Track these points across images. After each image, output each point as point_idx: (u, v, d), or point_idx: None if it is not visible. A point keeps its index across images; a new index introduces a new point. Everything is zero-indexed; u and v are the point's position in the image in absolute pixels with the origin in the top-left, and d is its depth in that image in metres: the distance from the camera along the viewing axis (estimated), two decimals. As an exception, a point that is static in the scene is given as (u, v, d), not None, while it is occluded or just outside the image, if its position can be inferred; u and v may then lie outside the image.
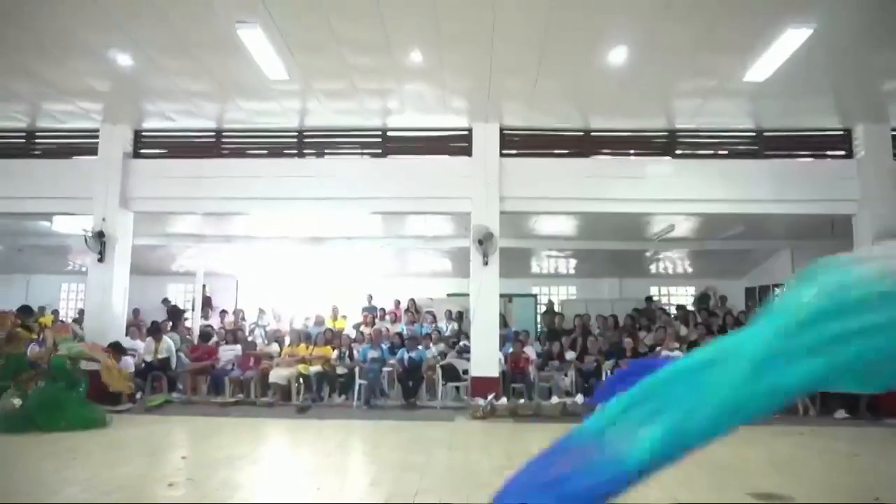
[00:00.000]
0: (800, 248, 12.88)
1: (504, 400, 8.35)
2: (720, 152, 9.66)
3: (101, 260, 9.34)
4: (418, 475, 5.00)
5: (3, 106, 8.98)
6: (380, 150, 9.75)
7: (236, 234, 12.91)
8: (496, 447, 6.25)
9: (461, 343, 10.06)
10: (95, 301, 9.41)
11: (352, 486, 4.78)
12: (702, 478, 4.96)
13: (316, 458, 5.82)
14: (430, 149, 9.74)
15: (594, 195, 9.33)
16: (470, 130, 9.48)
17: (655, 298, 14.73)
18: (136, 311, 12.88)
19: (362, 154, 9.83)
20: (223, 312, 13.35)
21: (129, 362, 8.97)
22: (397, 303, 13.40)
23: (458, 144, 9.60)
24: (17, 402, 6.84)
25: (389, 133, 9.72)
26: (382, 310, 12.95)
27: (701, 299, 14.27)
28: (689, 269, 15.68)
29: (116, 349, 8.62)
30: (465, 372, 9.29)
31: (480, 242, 8.98)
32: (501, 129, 9.43)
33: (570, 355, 9.91)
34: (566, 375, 9.37)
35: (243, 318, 13.19)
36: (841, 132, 9.39)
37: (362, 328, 11.64)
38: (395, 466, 5.31)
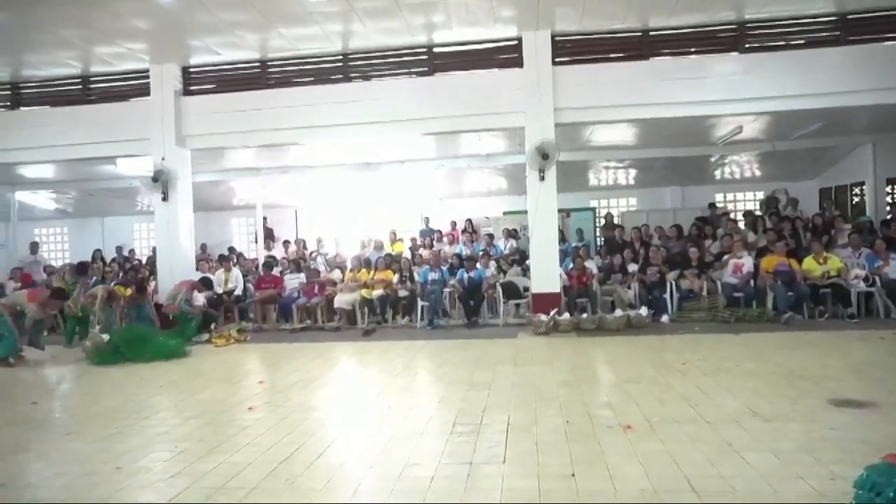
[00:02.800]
0: (883, 143, 11.95)
1: (567, 315, 8.32)
2: (795, 42, 8.84)
3: (164, 199, 9.65)
4: (486, 392, 5.09)
5: (57, 53, 9.13)
6: (427, 69, 9.45)
7: (292, 165, 13.00)
8: (561, 362, 6.28)
9: (526, 262, 9.96)
10: (164, 238, 9.79)
11: (422, 404, 4.91)
12: (780, 386, 4.86)
13: (384, 378, 6.00)
14: (479, 63, 9.35)
15: (654, 100, 8.83)
16: (520, 40, 9.02)
17: (720, 205, 14.11)
18: (203, 246, 13.40)
19: (409, 74, 9.55)
20: (286, 242, 13.69)
21: (199, 297, 9.38)
22: (454, 224, 13.39)
23: (507, 56, 9.18)
24: (105, 336, 7.35)
25: (436, 49, 9.36)
26: (439, 232, 12.98)
27: (769, 202, 13.43)
28: (758, 173, 14.86)
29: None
30: (526, 289, 9.29)
31: (545, 157, 8.69)
32: (553, 36, 8.93)
33: (632, 268, 9.72)
34: (629, 288, 9.24)
35: (305, 247, 13.51)
36: (939, 7, 8.41)
37: (420, 251, 11.73)
38: (462, 384, 5.42)
